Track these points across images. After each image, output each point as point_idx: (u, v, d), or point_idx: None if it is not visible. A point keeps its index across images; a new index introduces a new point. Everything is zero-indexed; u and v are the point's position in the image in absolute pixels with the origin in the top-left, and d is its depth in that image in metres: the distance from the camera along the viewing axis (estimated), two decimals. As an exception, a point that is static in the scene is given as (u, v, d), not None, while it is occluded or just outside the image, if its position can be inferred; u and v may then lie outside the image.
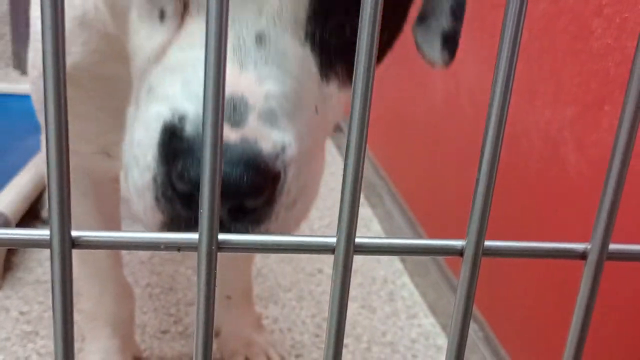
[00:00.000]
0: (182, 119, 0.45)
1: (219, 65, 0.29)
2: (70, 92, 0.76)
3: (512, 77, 0.33)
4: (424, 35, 0.60)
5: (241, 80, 0.45)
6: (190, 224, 0.47)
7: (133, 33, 0.52)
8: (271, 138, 0.45)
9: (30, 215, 1.41)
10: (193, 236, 0.35)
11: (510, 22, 0.31)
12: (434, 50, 0.59)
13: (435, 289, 1.26)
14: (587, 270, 0.38)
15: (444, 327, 1.21)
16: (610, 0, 0.80)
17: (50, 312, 0.98)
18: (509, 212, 1.03)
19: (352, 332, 1.17)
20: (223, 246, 0.35)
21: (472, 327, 1.16)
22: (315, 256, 1.30)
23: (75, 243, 0.35)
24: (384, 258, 1.44)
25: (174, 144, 0.44)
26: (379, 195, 1.63)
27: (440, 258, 1.31)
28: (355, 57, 0.31)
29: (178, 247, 0.35)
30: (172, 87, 0.46)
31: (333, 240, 0.36)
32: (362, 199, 1.76)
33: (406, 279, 1.36)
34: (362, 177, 0.36)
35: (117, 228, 0.95)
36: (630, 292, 0.79)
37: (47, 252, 1.38)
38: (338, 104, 0.53)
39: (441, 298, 1.24)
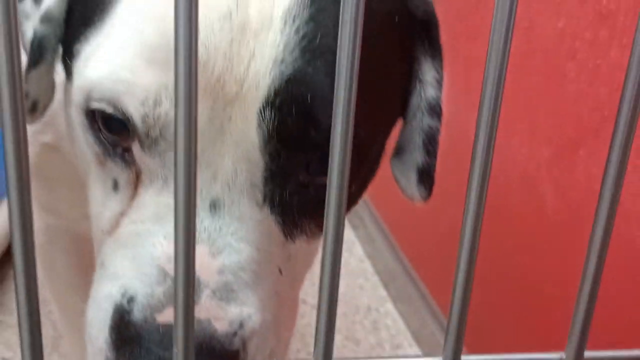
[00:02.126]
0: (130, 300, 0.43)
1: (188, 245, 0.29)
2: (55, 160, 0.75)
3: (497, 114, 0.33)
4: (401, 170, 0.57)
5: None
6: None
7: (91, 196, 0.51)
8: (227, 316, 0.42)
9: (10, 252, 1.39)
10: None
11: (494, 58, 0.31)
12: (411, 185, 0.57)
13: (419, 317, 1.27)
14: (564, 378, 0.38)
15: (428, 357, 1.22)
16: (583, 45, 0.81)
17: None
18: (491, 250, 1.03)
19: (337, 365, 1.17)
20: None
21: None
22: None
23: (46, 383, 0.34)
24: (367, 284, 1.44)
25: (123, 329, 0.42)
26: (361, 218, 1.63)
27: (423, 285, 1.31)
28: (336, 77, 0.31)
29: None
30: (122, 264, 0.45)
31: (309, 363, 0.36)
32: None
33: (390, 305, 1.36)
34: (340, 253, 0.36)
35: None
36: None
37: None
38: (307, 256, 0.50)
39: (425, 327, 1.25)
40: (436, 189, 0.59)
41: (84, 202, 0.73)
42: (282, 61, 0.42)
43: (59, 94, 0.56)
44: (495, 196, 1.00)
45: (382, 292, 1.40)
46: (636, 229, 0.73)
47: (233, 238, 0.44)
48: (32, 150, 0.75)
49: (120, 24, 0.44)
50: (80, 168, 0.55)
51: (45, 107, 0.54)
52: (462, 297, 0.37)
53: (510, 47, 0.32)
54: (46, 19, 0.49)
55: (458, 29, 1.14)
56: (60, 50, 0.51)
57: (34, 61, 0.50)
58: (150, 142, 0.44)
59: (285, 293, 0.48)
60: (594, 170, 0.79)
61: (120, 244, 0.46)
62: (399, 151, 0.57)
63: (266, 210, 0.46)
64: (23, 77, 0.27)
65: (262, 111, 0.43)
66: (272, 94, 0.42)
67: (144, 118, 0.43)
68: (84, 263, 0.87)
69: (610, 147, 0.34)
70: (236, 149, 0.43)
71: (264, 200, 0.45)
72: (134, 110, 0.43)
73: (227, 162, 0.44)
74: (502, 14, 0.30)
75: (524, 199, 0.95)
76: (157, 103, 0.42)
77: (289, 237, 0.48)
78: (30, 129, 0.74)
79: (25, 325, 0.32)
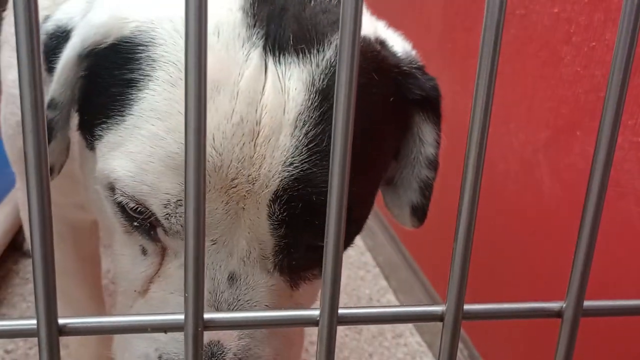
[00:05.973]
0: None
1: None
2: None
3: (490, 100, 0.34)
4: (393, 200, 0.64)
5: None
6: None
7: (119, 254, 0.55)
8: None
9: (11, 247, 1.40)
10: (179, 317, 0.36)
11: (487, 47, 0.33)
12: (404, 215, 0.64)
13: (420, 307, 1.28)
14: (564, 327, 0.39)
15: (430, 346, 1.23)
16: (578, 29, 0.82)
17: (36, 349, 0.97)
18: (488, 236, 1.04)
19: (339, 355, 1.18)
20: (209, 325, 0.36)
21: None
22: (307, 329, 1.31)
23: (62, 331, 0.35)
24: (368, 275, 1.45)
25: None
26: (361, 212, 1.65)
27: (423, 275, 1.32)
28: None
29: (164, 329, 0.36)
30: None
31: (316, 313, 0.37)
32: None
33: (391, 296, 1.37)
34: (342, 255, 0.37)
35: (97, 268, 0.96)
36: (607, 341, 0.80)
37: (30, 286, 1.36)
38: (311, 295, 0.57)
39: (426, 315, 1.26)
40: (437, 181, 0.64)
41: (75, 192, 0.74)
42: (291, 164, 0.47)
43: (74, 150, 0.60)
44: (494, 181, 1.02)
45: (383, 283, 1.41)
46: (633, 204, 0.74)
47: (248, 304, 0.51)
48: (21, 140, 0.77)
49: (142, 126, 0.49)
50: (96, 211, 0.60)
51: (61, 167, 0.59)
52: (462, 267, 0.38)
53: (502, 34, 0.33)
54: (51, 105, 0.54)
55: (456, 20, 1.16)
56: (75, 123, 0.56)
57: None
58: (173, 232, 0.50)
59: (293, 333, 0.56)
60: (590, 151, 0.81)
61: (154, 308, 0.52)
62: (389, 181, 0.65)
63: (276, 275, 0.52)
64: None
65: (272, 204, 0.48)
66: (281, 192, 0.48)
67: (167, 216, 0.49)
68: (80, 250, 0.89)
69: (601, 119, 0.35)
70: (249, 232, 0.50)
71: (274, 268, 0.52)
72: (158, 210, 0.49)
73: (242, 242, 0.50)
74: (494, 4, 0.32)
75: (522, 183, 0.96)
76: (178, 204, 0.48)
77: (294, 288, 0.54)
78: (15, 119, 0.76)
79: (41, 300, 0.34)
